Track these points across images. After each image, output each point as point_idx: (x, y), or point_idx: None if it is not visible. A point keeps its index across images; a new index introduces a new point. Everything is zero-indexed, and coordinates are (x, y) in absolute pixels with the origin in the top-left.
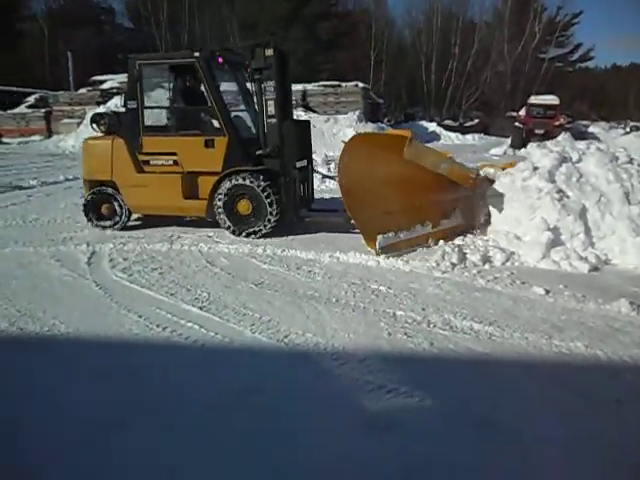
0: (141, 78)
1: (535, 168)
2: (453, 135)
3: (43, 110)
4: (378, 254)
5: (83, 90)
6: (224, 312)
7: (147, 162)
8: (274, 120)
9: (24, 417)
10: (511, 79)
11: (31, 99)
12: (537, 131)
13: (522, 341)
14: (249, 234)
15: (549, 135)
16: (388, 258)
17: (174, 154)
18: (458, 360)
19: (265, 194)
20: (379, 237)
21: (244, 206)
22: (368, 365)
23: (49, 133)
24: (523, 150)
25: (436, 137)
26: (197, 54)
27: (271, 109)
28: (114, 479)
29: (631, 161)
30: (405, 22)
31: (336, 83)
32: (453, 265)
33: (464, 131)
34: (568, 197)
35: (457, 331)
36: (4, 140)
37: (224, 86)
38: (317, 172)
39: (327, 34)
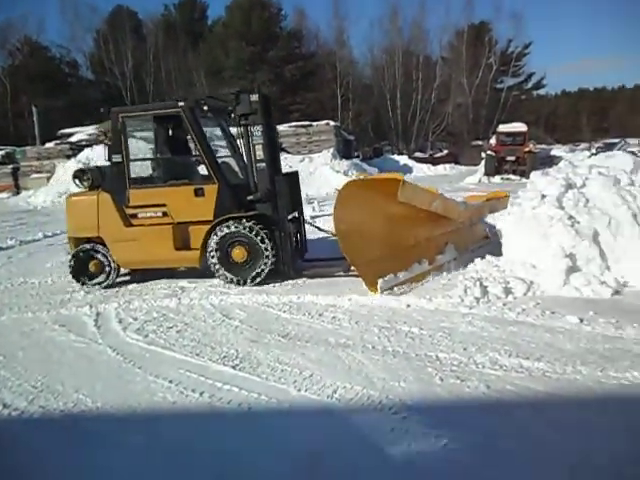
0: (125, 131)
1: (543, 196)
2: (424, 167)
3: (10, 166)
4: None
5: (51, 144)
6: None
7: (135, 215)
8: (263, 164)
9: None
10: (473, 110)
11: None
12: (508, 158)
13: (577, 375)
14: (253, 279)
15: (520, 161)
16: (417, 298)
17: (163, 205)
18: (525, 403)
19: (259, 238)
20: (380, 281)
21: (239, 253)
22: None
23: (17, 189)
24: (517, 178)
25: (408, 170)
26: (182, 104)
27: (259, 153)
28: None
29: (632, 183)
30: (368, 60)
31: (307, 123)
32: (477, 299)
33: (435, 162)
34: (579, 223)
35: (508, 370)
36: None
37: (210, 133)
38: (310, 224)
39: (293, 76)
